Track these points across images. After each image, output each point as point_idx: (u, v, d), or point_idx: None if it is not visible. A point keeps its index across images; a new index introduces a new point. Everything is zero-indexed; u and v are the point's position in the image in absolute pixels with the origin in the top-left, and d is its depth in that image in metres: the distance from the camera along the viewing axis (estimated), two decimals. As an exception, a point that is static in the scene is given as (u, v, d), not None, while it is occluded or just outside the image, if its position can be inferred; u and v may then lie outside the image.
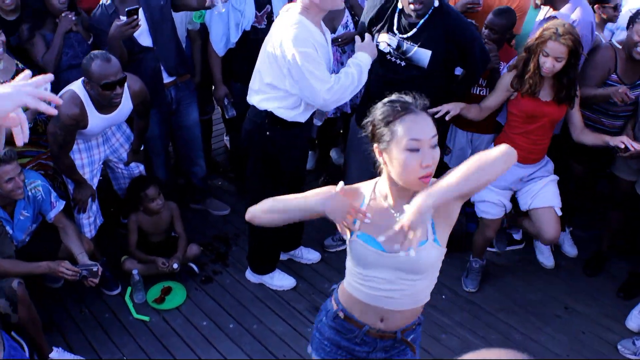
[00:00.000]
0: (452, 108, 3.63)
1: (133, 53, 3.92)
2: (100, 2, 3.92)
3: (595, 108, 3.89)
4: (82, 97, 3.49)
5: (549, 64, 3.33)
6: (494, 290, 4.18)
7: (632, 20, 3.73)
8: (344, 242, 4.46)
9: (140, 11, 3.79)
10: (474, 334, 3.84)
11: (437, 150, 1.94)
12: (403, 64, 3.57)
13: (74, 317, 3.85)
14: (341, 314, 2.33)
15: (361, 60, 3.38)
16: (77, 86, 3.51)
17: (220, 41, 4.28)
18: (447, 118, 3.62)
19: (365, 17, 3.81)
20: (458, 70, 3.90)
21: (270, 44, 3.32)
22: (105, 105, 3.53)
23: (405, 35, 3.52)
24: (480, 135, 4.33)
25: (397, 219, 1.97)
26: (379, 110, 1.99)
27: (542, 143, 3.68)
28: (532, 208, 3.78)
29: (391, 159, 1.95)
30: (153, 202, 3.96)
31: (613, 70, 3.80)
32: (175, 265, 3.95)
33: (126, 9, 3.64)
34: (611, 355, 3.73)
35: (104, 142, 3.90)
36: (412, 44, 3.52)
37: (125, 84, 3.53)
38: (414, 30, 3.51)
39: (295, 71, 3.21)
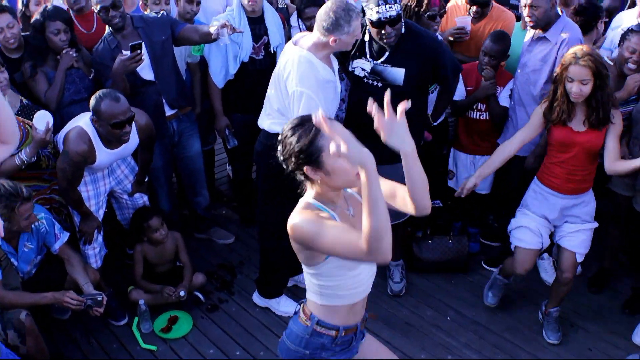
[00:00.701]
0: (471, 182, 3.56)
1: (135, 87, 4.01)
2: (102, 37, 4.02)
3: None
4: (90, 133, 3.57)
5: (576, 88, 3.31)
6: (500, 310, 4.18)
7: (623, 37, 3.81)
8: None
9: (143, 46, 3.90)
10: (480, 354, 3.83)
11: None
12: (379, 85, 3.66)
13: (82, 348, 3.87)
14: (344, 333, 2.42)
15: None
16: (84, 122, 3.59)
17: (220, 73, 4.37)
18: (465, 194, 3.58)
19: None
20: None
21: (279, 75, 3.42)
22: (114, 141, 3.62)
23: (378, 61, 3.64)
24: (483, 156, 4.38)
25: (352, 215, 2.28)
26: (292, 140, 2.14)
27: (579, 173, 3.57)
28: (560, 244, 3.77)
29: (327, 170, 2.11)
30: (156, 232, 4.01)
31: None
32: (182, 293, 3.98)
33: (130, 44, 3.75)
34: (618, 371, 3.74)
35: (109, 174, 3.97)
36: (385, 65, 3.62)
37: None
38: (386, 54, 3.62)
39: (293, 107, 3.31)
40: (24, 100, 3.82)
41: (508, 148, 3.64)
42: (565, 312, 4.16)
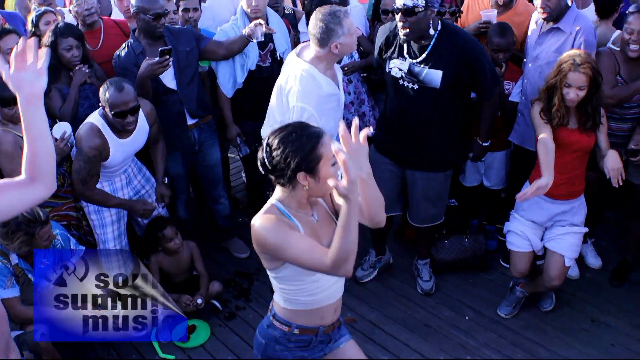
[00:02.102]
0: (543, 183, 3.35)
1: (157, 94, 4.06)
2: (125, 43, 4.07)
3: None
4: (100, 126, 3.62)
5: (573, 94, 3.35)
6: (519, 308, 4.13)
7: (624, 21, 3.76)
8: (374, 269, 4.49)
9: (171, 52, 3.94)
10: (499, 353, 3.80)
11: None
12: (416, 87, 3.63)
13: (100, 356, 3.91)
14: (296, 331, 2.49)
15: None
16: (94, 118, 3.65)
17: (228, 83, 4.40)
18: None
19: (376, 46, 3.90)
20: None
21: (281, 88, 3.43)
22: (122, 130, 3.66)
23: (416, 60, 3.59)
24: (493, 153, 4.33)
25: (316, 220, 2.35)
26: (288, 150, 2.17)
27: (570, 174, 3.58)
28: (548, 247, 3.76)
29: (319, 177, 2.19)
30: (171, 242, 4.04)
31: (617, 73, 3.81)
32: (199, 301, 4.01)
33: (160, 49, 3.79)
34: (643, 366, 3.67)
35: (127, 184, 4.01)
36: (423, 66, 3.58)
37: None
38: (425, 53, 3.57)
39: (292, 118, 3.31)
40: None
41: (550, 144, 3.49)
42: (586, 307, 4.11)
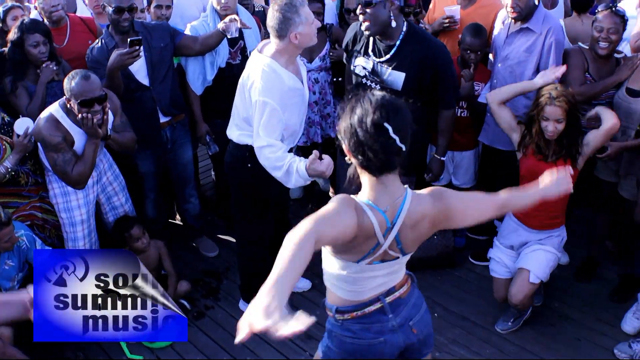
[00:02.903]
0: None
1: (130, 90, 4.01)
2: (99, 39, 4.03)
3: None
4: (59, 117, 3.55)
5: (551, 127, 3.41)
6: (487, 304, 4.16)
7: (594, 19, 3.81)
8: None
9: (141, 50, 3.89)
10: (468, 349, 3.83)
11: None
12: (378, 87, 3.61)
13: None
14: (356, 314, 2.38)
15: (299, 169, 3.22)
16: (53, 108, 3.58)
17: (197, 80, 4.36)
18: None
19: (344, 44, 3.90)
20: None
21: (244, 84, 3.40)
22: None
23: (380, 59, 3.59)
24: (461, 152, 4.37)
25: None
26: None
27: (550, 207, 3.51)
28: (517, 266, 3.78)
29: None
30: (137, 241, 4.00)
31: (586, 70, 3.86)
32: (167, 301, 3.98)
33: (129, 39, 3.73)
34: (608, 360, 3.72)
35: (97, 182, 3.94)
36: (386, 67, 3.57)
37: None
38: (390, 53, 3.57)
39: (255, 116, 3.29)
40: (6, 118, 3.82)
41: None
42: (553, 303, 4.16)
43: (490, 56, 4.33)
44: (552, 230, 3.73)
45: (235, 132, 3.56)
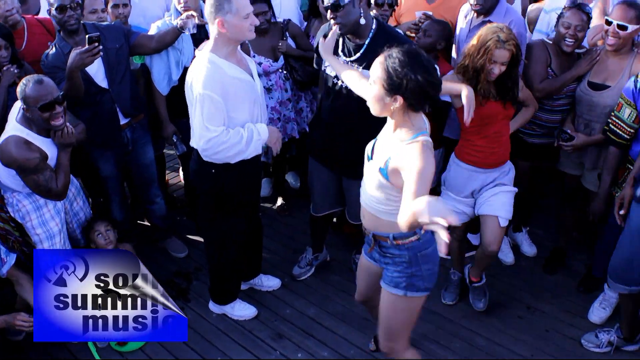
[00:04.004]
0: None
1: (90, 94, 3.94)
2: (52, 44, 3.96)
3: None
4: (24, 135, 3.44)
5: (497, 69, 3.39)
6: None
7: (560, 15, 3.83)
8: (311, 266, 4.49)
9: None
10: (437, 344, 3.86)
11: None
12: (346, 85, 3.59)
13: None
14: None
15: (260, 130, 3.42)
16: (14, 129, 3.45)
17: (163, 80, 4.32)
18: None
19: (314, 44, 3.87)
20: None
21: (189, 85, 3.38)
22: (48, 128, 3.48)
23: (350, 59, 3.57)
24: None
25: None
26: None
27: (500, 141, 3.63)
28: (480, 214, 3.75)
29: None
30: (99, 235, 3.96)
31: (548, 65, 3.88)
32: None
33: (87, 36, 3.65)
34: (576, 350, 3.77)
35: None
36: (357, 66, 3.55)
37: None
38: (359, 52, 3.56)
39: (196, 110, 3.28)
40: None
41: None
42: (521, 294, 4.20)
43: (453, 51, 4.33)
44: (504, 165, 3.72)
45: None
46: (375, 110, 2.67)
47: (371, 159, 2.81)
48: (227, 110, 3.30)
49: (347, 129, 3.68)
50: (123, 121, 4.20)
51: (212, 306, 4.17)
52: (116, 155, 4.26)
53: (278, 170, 5.39)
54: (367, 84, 2.75)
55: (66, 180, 3.59)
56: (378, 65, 2.59)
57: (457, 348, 3.82)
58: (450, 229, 2.10)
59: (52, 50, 3.94)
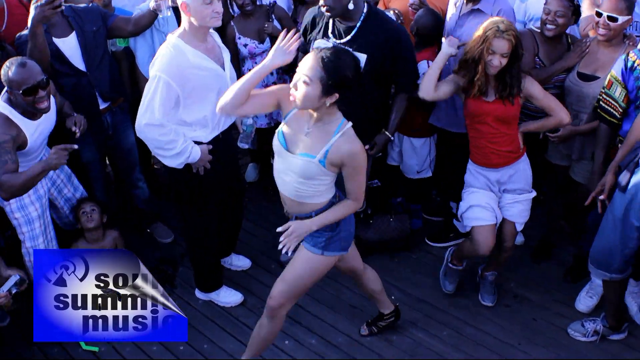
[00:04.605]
0: None
1: (66, 75, 3.90)
2: (28, 25, 3.86)
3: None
4: (7, 113, 3.38)
5: (496, 61, 3.34)
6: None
7: (545, 2, 3.81)
8: None
9: (74, 35, 3.82)
10: (425, 332, 3.86)
11: None
12: None
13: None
14: None
15: (193, 151, 3.40)
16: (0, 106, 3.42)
17: (147, 63, 4.16)
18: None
19: (302, 28, 3.82)
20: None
21: (151, 66, 3.33)
22: (33, 111, 3.42)
23: (341, 41, 3.53)
24: (417, 139, 4.36)
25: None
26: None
27: (499, 141, 3.58)
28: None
29: None
30: (84, 215, 3.95)
31: (536, 54, 3.86)
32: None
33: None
34: (563, 339, 3.78)
35: (45, 177, 3.80)
36: (347, 48, 3.51)
37: None
38: (350, 35, 3.52)
39: (147, 92, 3.24)
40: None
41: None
42: (509, 284, 4.21)
43: (443, 39, 4.30)
44: (517, 163, 3.66)
45: None
46: (304, 106, 2.75)
47: (287, 149, 2.86)
48: (183, 97, 3.26)
49: None
50: (103, 105, 4.14)
51: (198, 293, 4.14)
52: (97, 140, 4.20)
53: (264, 156, 5.34)
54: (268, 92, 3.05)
55: (14, 184, 3.25)
56: (316, 65, 2.65)
57: (445, 336, 3.82)
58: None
59: (25, 32, 3.82)
